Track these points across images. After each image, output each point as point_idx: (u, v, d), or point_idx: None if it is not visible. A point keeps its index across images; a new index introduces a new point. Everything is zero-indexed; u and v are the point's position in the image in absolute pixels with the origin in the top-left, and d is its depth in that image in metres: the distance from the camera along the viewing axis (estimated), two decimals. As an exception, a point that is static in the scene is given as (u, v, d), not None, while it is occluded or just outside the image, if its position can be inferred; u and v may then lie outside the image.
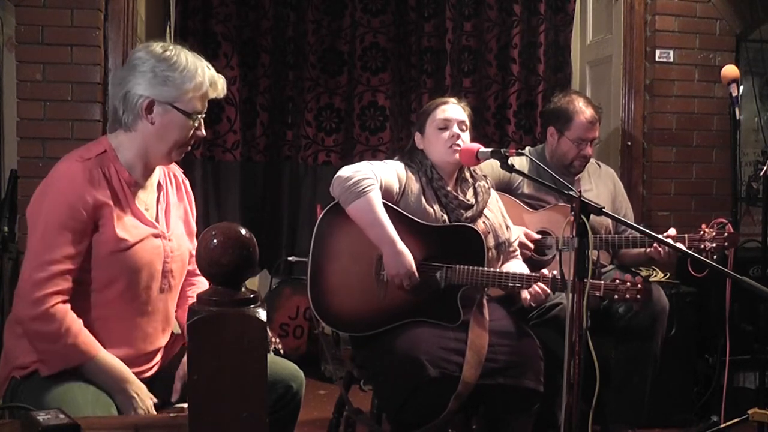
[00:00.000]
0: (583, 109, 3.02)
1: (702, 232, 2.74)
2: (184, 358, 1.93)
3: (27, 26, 3.26)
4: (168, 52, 1.85)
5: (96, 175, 1.80)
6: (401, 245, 2.34)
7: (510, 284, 2.41)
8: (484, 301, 2.43)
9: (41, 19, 3.26)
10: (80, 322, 1.78)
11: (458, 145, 2.49)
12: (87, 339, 1.78)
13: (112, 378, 1.79)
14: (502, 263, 2.58)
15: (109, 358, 1.80)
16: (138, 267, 1.85)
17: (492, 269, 2.43)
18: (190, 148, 1.93)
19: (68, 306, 1.77)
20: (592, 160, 3.24)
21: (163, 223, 1.95)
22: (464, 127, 2.54)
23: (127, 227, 1.83)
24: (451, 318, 2.38)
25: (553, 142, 3.08)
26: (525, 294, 2.42)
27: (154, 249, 1.88)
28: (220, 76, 1.93)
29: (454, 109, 2.55)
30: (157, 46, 1.87)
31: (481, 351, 2.30)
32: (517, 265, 2.59)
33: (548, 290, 2.41)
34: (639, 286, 2.37)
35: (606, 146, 4.05)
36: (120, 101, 1.85)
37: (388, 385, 2.35)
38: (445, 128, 2.52)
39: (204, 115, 1.91)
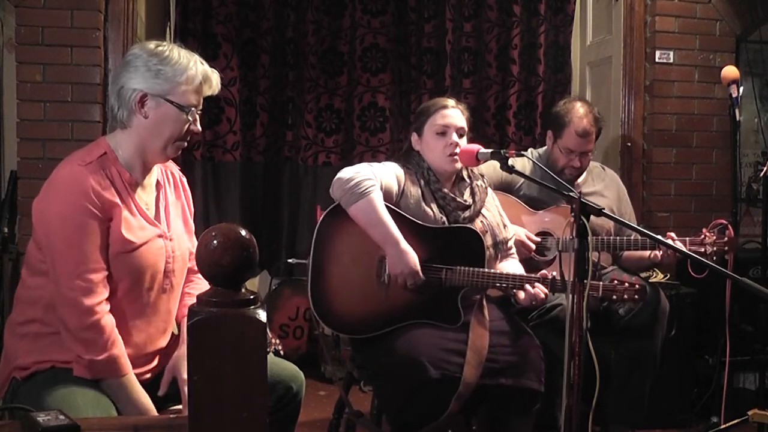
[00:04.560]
0: (578, 121, 2.97)
1: (703, 236, 2.75)
2: (176, 353, 1.94)
3: (27, 27, 3.26)
4: (161, 48, 1.86)
5: (101, 178, 1.81)
6: (405, 244, 2.34)
7: (510, 285, 2.41)
8: (484, 302, 2.43)
9: (41, 20, 3.26)
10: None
11: (455, 154, 2.48)
12: (125, 355, 1.81)
13: (133, 403, 1.79)
14: (499, 262, 2.57)
15: (136, 382, 1.82)
16: (143, 268, 1.85)
17: (493, 270, 2.43)
18: (186, 144, 1.93)
19: (112, 317, 1.80)
20: (597, 164, 3.24)
21: (164, 222, 1.95)
22: (462, 133, 2.52)
23: (132, 228, 1.84)
24: (451, 319, 2.38)
25: (550, 145, 3.09)
26: (521, 294, 2.42)
27: (158, 250, 1.89)
28: (214, 71, 1.93)
29: (453, 115, 2.52)
30: (150, 43, 1.88)
31: (482, 351, 2.29)
32: (513, 265, 2.59)
33: (547, 292, 2.41)
34: (637, 286, 2.37)
35: (606, 147, 4.05)
36: (115, 98, 1.86)
37: (389, 387, 2.35)
38: (443, 134, 2.50)
39: (200, 111, 1.91)
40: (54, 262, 1.78)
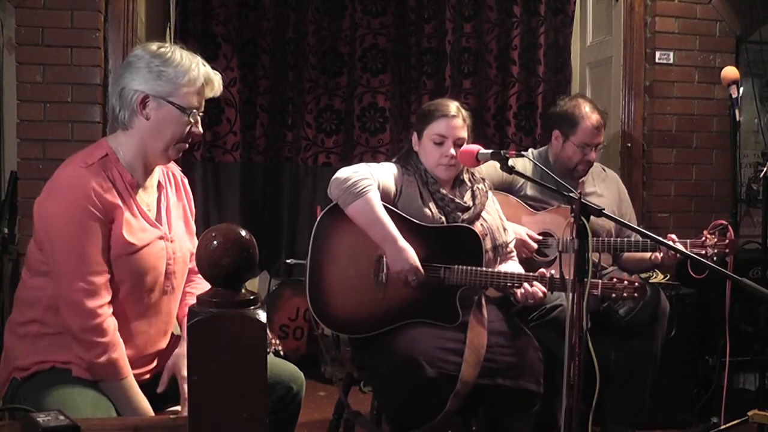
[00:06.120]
0: (589, 115, 3.02)
1: (703, 238, 2.75)
2: (176, 351, 1.95)
3: (27, 28, 3.26)
4: (163, 49, 1.86)
5: (102, 179, 1.81)
6: (403, 242, 2.34)
7: (509, 284, 2.41)
8: (483, 301, 2.43)
9: (41, 20, 3.26)
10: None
11: (452, 166, 2.48)
12: (125, 358, 1.82)
13: (131, 406, 1.79)
14: (498, 265, 2.57)
15: (135, 385, 1.82)
16: (143, 270, 1.85)
17: (491, 269, 2.43)
18: (187, 146, 1.93)
19: (115, 320, 1.80)
20: (597, 164, 3.24)
21: (165, 223, 1.95)
22: (461, 143, 2.49)
23: (134, 231, 1.83)
24: (449, 318, 2.38)
25: (557, 145, 3.08)
26: (519, 292, 2.41)
27: (160, 252, 1.89)
28: (216, 73, 1.93)
29: (453, 125, 2.48)
30: (153, 45, 1.88)
31: (480, 350, 2.29)
32: (512, 266, 2.59)
33: (545, 290, 2.40)
34: (636, 284, 2.37)
35: (606, 148, 4.04)
36: (116, 99, 1.86)
37: (386, 386, 2.35)
38: (440, 144, 2.50)
39: (201, 113, 1.91)
40: (56, 264, 1.78)
